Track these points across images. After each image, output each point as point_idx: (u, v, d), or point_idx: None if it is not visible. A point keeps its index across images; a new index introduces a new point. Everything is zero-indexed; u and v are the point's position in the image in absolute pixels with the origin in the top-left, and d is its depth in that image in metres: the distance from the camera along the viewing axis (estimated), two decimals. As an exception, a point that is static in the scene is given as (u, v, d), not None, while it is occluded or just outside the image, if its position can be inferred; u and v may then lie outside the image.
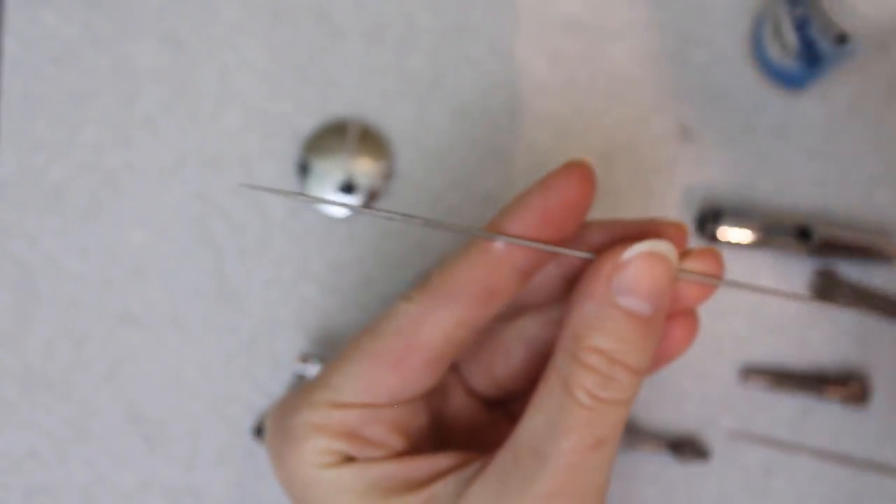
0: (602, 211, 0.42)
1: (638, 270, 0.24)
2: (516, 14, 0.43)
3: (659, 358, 0.29)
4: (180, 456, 0.41)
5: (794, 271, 0.42)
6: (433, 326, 0.26)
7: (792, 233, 0.41)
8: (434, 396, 0.29)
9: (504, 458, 0.25)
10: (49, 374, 0.41)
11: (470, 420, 0.31)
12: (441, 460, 0.26)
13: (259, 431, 0.40)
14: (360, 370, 0.26)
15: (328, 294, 0.41)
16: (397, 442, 0.27)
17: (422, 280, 0.27)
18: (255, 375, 0.41)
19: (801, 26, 0.38)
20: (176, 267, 0.41)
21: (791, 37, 0.39)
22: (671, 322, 0.28)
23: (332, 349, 0.41)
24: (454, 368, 0.31)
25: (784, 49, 0.40)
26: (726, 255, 0.42)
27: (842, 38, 0.36)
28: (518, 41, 0.43)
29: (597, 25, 0.43)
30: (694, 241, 0.42)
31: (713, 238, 0.41)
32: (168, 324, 0.41)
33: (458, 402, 0.31)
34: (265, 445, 0.29)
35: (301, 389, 0.27)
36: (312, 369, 0.39)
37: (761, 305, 0.42)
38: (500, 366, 0.30)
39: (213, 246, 0.42)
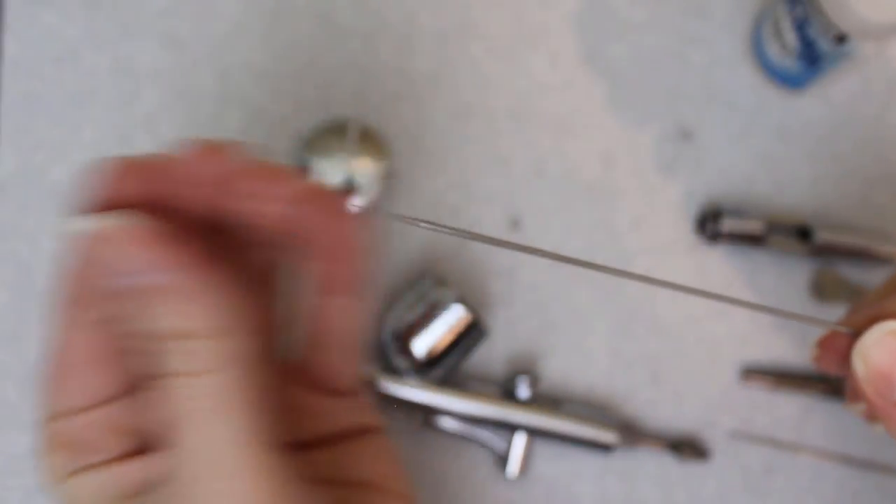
0: (602, 210, 0.42)
1: (103, 252, 0.23)
2: (516, 14, 0.43)
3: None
4: (180, 456, 0.41)
5: (794, 271, 0.42)
6: (73, 333, 0.25)
7: (792, 233, 0.41)
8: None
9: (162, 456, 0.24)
10: (49, 374, 0.41)
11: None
12: (158, 458, 0.25)
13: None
14: (49, 384, 0.26)
15: (328, 294, 0.41)
16: (120, 444, 0.26)
17: None
18: (255, 375, 0.41)
19: (801, 26, 0.38)
20: (176, 267, 0.41)
21: (791, 37, 0.39)
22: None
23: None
24: None
25: (784, 49, 0.40)
26: (726, 254, 0.42)
27: (841, 38, 0.36)
28: (518, 41, 0.43)
29: (597, 25, 0.43)
30: (694, 241, 0.42)
31: (713, 238, 0.41)
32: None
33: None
34: None
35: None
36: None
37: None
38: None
39: (213, 246, 0.42)
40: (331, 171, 0.41)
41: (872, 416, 0.26)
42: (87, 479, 0.25)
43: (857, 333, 0.24)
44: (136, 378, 0.26)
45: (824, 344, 0.27)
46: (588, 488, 0.41)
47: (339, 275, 0.27)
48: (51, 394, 0.26)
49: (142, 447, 0.26)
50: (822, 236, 0.41)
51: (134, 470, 0.25)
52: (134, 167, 0.25)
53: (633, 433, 0.40)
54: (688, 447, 0.40)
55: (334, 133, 0.42)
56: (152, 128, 0.42)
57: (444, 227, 0.25)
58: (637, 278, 0.25)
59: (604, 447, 0.39)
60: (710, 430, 0.41)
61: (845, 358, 0.25)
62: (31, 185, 0.42)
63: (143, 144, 0.42)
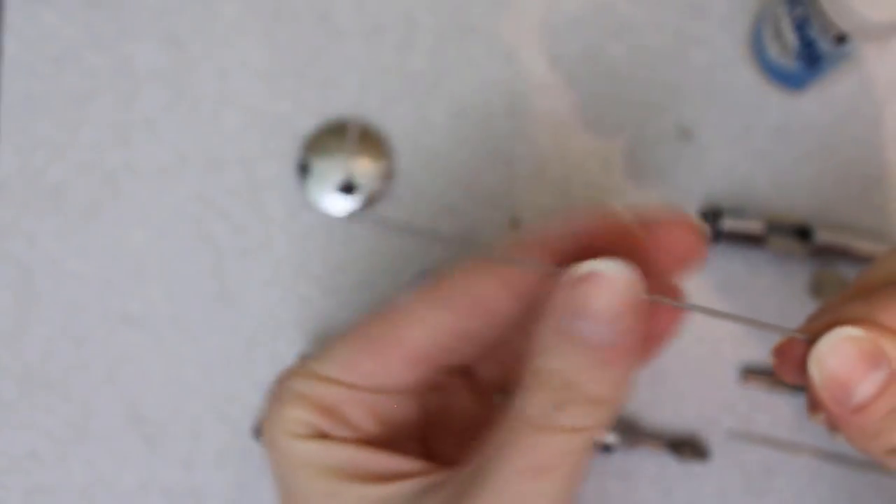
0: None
1: (585, 294, 0.22)
2: (516, 14, 0.43)
3: (648, 345, 0.28)
4: (180, 456, 0.41)
5: (794, 271, 0.42)
6: (417, 326, 0.26)
7: (792, 233, 0.41)
8: (432, 396, 0.29)
9: (462, 474, 0.24)
10: (49, 374, 0.41)
11: (474, 417, 0.30)
12: (413, 462, 0.26)
13: (259, 431, 0.40)
14: (343, 349, 0.26)
15: (328, 294, 0.41)
16: (372, 428, 0.26)
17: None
18: (255, 375, 0.41)
19: (801, 26, 0.38)
20: (176, 267, 0.41)
21: (791, 37, 0.39)
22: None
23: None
24: (466, 373, 0.30)
25: (784, 49, 0.40)
26: (726, 255, 0.42)
27: (841, 38, 0.36)
28: (518, 41, 0.43)
29: (597, 25, 0.43)
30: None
31: (713, 238, 0.41)
32: (168, 324, 0.41)
33: (465, 405, 0.30)
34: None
35: (304, 359, 0.27)
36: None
37: (761, 305, 0.42)
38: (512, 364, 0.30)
39: (213, 246, 0.42)
40: (331, 171, 0.41)
41: (833, 425, 0.25)
42: (319, 446, 0.25)
43: (813, 340, 0.24)
44: (429, 380, 0.26)
45: (781, 351, 0.26)
46: (588, 488, 0.41)
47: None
48: (338, 357, 0.26)
49: (387, 440, 0.26)
50: (822, 236, 0.41)
51: (375, 458, 0.25)
52: (621, 227, 0.26)
53: (632, 433, 0.40)
54: (688, 447, 0.40)
55: (334, 133, 0.42)
56: (152, 128, 0.42)
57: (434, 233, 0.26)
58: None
59: (604, 447, 0.39)
60: (710, 430, 0.41)
61: (803, 366, 0.24)
62: (31, 185, 0.42)
63: (144, 144, 0.42)
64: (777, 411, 0.41)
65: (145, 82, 0.42)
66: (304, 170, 0.42)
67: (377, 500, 0.25)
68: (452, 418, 0.30)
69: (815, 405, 0.27)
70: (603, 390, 0.23)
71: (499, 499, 0.23)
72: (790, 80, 0.42)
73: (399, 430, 0.27)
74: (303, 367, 0.27)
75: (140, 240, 0.42)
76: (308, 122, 0.42)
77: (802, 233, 0.41)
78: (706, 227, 0.26)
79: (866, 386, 0.23)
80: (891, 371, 0.23)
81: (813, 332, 0.24)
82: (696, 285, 0.41)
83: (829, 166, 0.43)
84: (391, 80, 0.42)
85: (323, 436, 0.26)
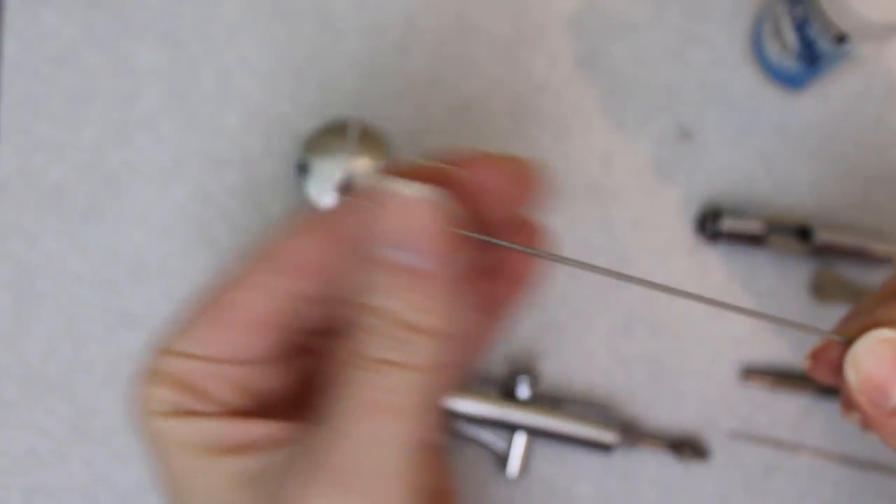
0: (602, 211, 0.42)
1: (394, 219, 0.22)
2: (516, 14, 0.43)
3: (503, 289, 0.27)
4: (180, 456, 0.41)
5: (794, 271, 0.42)
6: (255, 291, 0.25)
7: (792, 233, 0.41)
8: (307, 360, 0.28)
9: (312, 426, 0.23)
10: (49, 374, 0.41)
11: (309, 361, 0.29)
12: (284, 427, 0.25)
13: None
14: (193, 322, 0.26)
15: (328, 294, 0.41)
16: (236, 400, 0.26)
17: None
18: (255, 375, 0.41)
19: (801, 26, 0.38)
20: (176, 267, 0.41)
21: (791, 37, 0.39)
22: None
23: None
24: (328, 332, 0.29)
25: (784, 49, 0.40)
26: (726, 255, 0.42)
27: (841, 38, 0.36)
28: (518, 41, 0.43)
29: (597, 26, 0.43)
30: (694, 241, 0.42)
31: (713, 238, 0.41)
32: (168, 324, 0.41)
33: None
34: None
35: (166, 334, 0.27)
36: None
37: (761, 305, 0.42)
38: None
39: (213, 246, 0.42)
40: (331, 170, 0.41)
41: (867, 426, 0.26)
42: (183, 423, 0.25)
43: (849, 342, 0.24)
44: (290, 346, 0.26)
45: (817, 354, 0.27)
46: (588, 488, 0.41)
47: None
48: (189, 331, 0.25)
49: (256, 410, 0.26)
50: (822, 236, 0.41)
51: (240, 429, 0.25)
52: (437, 169, 0.25)
53: (633, 433, 0.40)
54: (688, 447, 0.40)
55: (334, 133, 0.42)
56: (152, 128, 0.42)
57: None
58: (635, 281, 0.24)
59: (604, 447, 0.39)
60: (710, 430, 0.41)
61: (838, 368, 0.24)
62: (31, 185, 0.42)
63: (144, 144, 0.42)
64: (777, 411, 0.41)
65: (145, 82, 0.42)
66: (303, 170, 0.42)
67: (245, 470, 0.24)
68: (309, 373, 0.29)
69: (849, 406, 0.27)
70: (431, 321, 0.22)
71: (346, 443, 0.22)
72: (790, 80, 0.42)
73: (271, 398, 0.27)
74: (161, 342, 0.26)
75: (140, 240, 0.42)
76: (308, 122, 0.42)
77: (802, 233, 0.41)
78: (535, 165, 0.26)
79: None
80: None
81: (849, 335, 0.24)
82: (696, 285, 0.42)
83: (829, 166, 0.42)
84: (391, 80, 0.42)
85: (187, 413, 0.25)
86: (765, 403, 0.41)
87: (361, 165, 0.42)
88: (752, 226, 0.41)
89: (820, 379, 0.27)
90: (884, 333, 0.23)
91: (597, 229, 0.42)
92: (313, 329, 0.27)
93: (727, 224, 0.40)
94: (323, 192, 0.41)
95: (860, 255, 0.41)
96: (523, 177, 0.26)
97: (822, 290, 0.42)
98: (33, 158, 0.42)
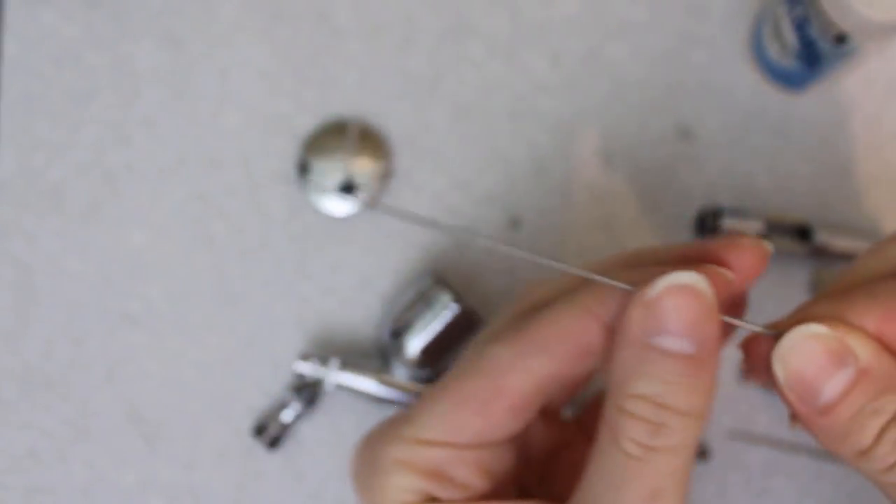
0: (602, 211, 0.42)
1: (667, 306, 0.22)
2: (516, 14, 0.43)
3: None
4: (180, 456, 0.41)
5: (794, 271, 0.42)
6: (523, 375, 0.25)
7: (792, 233, 0.41)
8: (519, 436, 0.28)
9: None
10: (49, 374, 0.41)
11: (548, 443, 0.30)
12: None
13: (259, 431, 0.40)
14: (445, 409, 0.25)
15: (328, 294, 0.41)
16: (481, 484, 0.26)
17: (515, 322, 0.26)
18: (255, 375, 0.41)
19: (801, 26, 0.38)
20: (176, 267, 0.41)
21: (791, 37, 0.39)
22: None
23: (331, 349, 0.41)
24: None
25: (784, 49, 0.40)
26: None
27: (841, 38, 0.36)
28: (518, 41, 0.43)
29: (597, 25, 0.43)
30: (695, 239, 0.42)
31: (713, 238, 0.41)
32: (168, 324, 0.41)
33: (539, 429, 0.30)
34: (351, 478, 0.28)
35: (388, 424, 0.27)
36: (312, 369, 0.39)
37: (761, 305, 0.42)
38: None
39: (213, 246, 0.42)
40: (331, 171, 0.41)
41: (805, 426, 0.25)
42: None
43: (779, 336, 0.23)
44: (523, 423, 0.26)
45: (748, 347, 0.26)
46: (588, 488, 0.41)
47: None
48: (438, 421, 0.25)
49: (498, 491, 0.26)
50: (822, 236, 0.41)
51: None
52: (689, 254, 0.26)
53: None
54: (688, 447, 0.40)
55: (334, 133, 0.42)
56: (152, 128, 0.42)
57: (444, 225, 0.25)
58: (616, 285, 0.24)
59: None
60: (710, 430, 0.41)
61: (769, 363, 0.24)
62: (31, 185, 0.42)
63: (144, 144, 0.42)
64: (777, 411, 0.41)
65: (145, 82, 0.42)
66: (304, 170, 0.42)
67: None
68: (532, 449, 0.30)
69: (794, 417, 0.27)
70: (694, 402, 0.23)
71: None
72: (790, 80, 0.42)
73: (502, 478, 0.27)
74: (395, 431, 0.26)
75: (140, 240, 0.42)
76: (308, 122, 0.42)
77: (802, 233, 0.41)
78: (770, 246, 0.26)
79: (833, 385, 0.22)
80: (858, 369, 0.22)
81: (780, 329, 0.24)
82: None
83: (829, 166, 0.42)
84: (391, 80, 0.42)
85: (432, 500, 0.25)
86: (764, 403, 0.41)
87: (361, 165, 0.42)
88: (752, 226, 0.41)
89: (755, 379, 0.26)
90: (813, 329, 0.23)
91: (597, 229, 0.42)
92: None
93: (727, 224, 0.40)
94: (323, 192, 0.41)
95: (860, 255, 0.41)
96: (761, 257, 0.26)
97: (821, 289, 0.42)
98: (33, 158, 0.42)
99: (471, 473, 0.26)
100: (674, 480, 0.23)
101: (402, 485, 0.25)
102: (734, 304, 0.27)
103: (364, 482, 0.26)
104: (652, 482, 0.23)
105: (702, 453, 0.40)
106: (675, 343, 0.22)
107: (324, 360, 0.39)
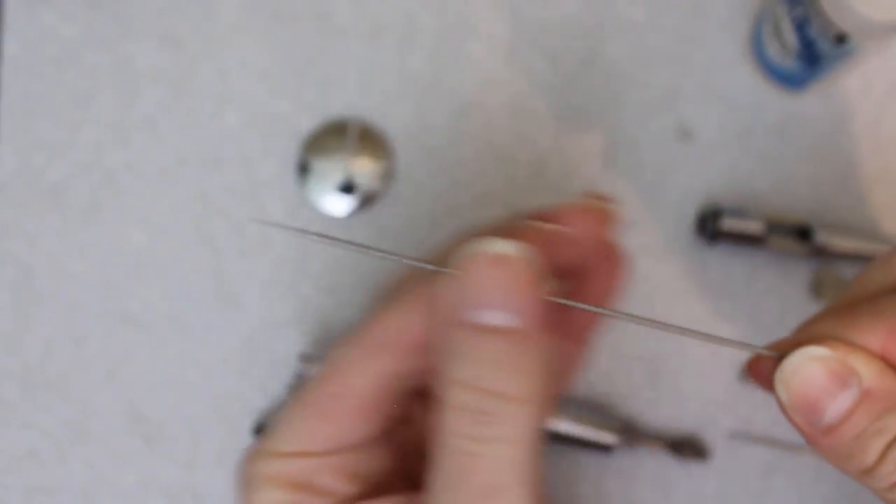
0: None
1: (478, 277, 0.21)
2: (516, 14, 0.43)
3: (572, 337, 0.26)
4: (180, 456, 0.41)
5: (794, 271, 0.42)
6: (361, 377, 0.25)
7: (792, 233, 0.41)
8: (401, 432, 0.28)
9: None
10: (49, 375, 0.41)
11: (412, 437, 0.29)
12: (397, 502, 0.25)
13: (259, 431, 0.40)
14: (294, 419, 0.25)
15: (327, 294, 0.41)
16: (349, 489, 0.25)
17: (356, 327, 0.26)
18: (255, 375, 0.41)
19: (801, 26, 0.38)
20: (176, 267, 0.41)
21: (791, 37, 0.39)
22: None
23: (331, 349, 0.41)
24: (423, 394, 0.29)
25: (784, 49, 0.40)
26: (726, 255, 0.42)
27: (841, 38, 0.36)
28: (518, 41, 0.43)
29: (597, 25, 0.43)
30: (694, 241, 0.42)
31: (713, 238, 0.41)
32: (168, 324, 0.41)
33: (423, 416, 0.29)
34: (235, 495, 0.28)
35: (259, 439, 0.26)
36: (312, 369, 0.39)
37: (761, 305, 0.42)
38: None
39: (212, 246, 0.42)
40: (331, 171, 0.41)
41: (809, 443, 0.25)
42: None
43: (781, 357, 0.23)
44: (390, 422, 0.25)
45: (752, 367, 0.26)
46: (587, 488, 0.41)
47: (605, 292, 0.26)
48: (294, 428, 0.25)
49: (369, 492, 0.25)
50: (822, 236, 0.41)
51: None
52: (534, 228, 0.25)
53: (632, 433, 0.40)
54: (688, 447, 0.40)
55: (334, 133, 0.42)
56: (152, 128, 0.42)
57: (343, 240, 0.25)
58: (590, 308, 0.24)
59: (603, 447, 0.39)
60: (710, 430, 0.41)
61: (772, 382, 0.23)
62: (31, 185, 0.42)
63: (144, 144, 0.42)
64: (777, 411, 0.41)
65: (145, 82, 0.42)
66: (304, 170, 0.42)
67: None
68: (420, 438, 0.29)
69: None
70: (522, 385, 0.21)
71: None
72: (790, 80, 0.42)
73: (381, 475, 0.27)
74: (259, 446, 0.25)
75: (140, 240, 0.42)
76: (308, 122, 0.42)
77: (802, 233, 0.41)
78: (611, 205, 0.25)
79: (836, 407, 0.22)
80: (861, 390, 0.22)
81: (782, 350, 0.23)
82: (696, 285, 0.42)
83: (829, 166, 0.42)
84: (391, 80, 0.42)
85: None
86: (764, 403, 0.41)
87: (361, 165, 0.42)
88: (752, 226, 0.41)
89: (764, 388, 0.26)
90: (814, 351, 0.23)
91: (597, 229, 0.42)
92: (406, 397, 0.26)
93: (727, 224, 0.40)
94: (323, 191, 0.41)
95: (859, 256, 0.41)
96: (604, 217, 0.25)
97: (822, 290, 0.42)
98: (33, 158, 0.42)
99: (335, 480, 0.25)
100: (514, 474, 0.21)
101: (269, 499, 0.25)
102: (600, 259, 0.26)
103: (239, 499, 0.26)
104: (487, 478, 0.21)
105: (702, 453, 0.40)
106: (490, 317, 0.21)
107: (324, 360, 0.39)
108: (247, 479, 0.25)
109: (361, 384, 0.25)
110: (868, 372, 0.22)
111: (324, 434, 0.25)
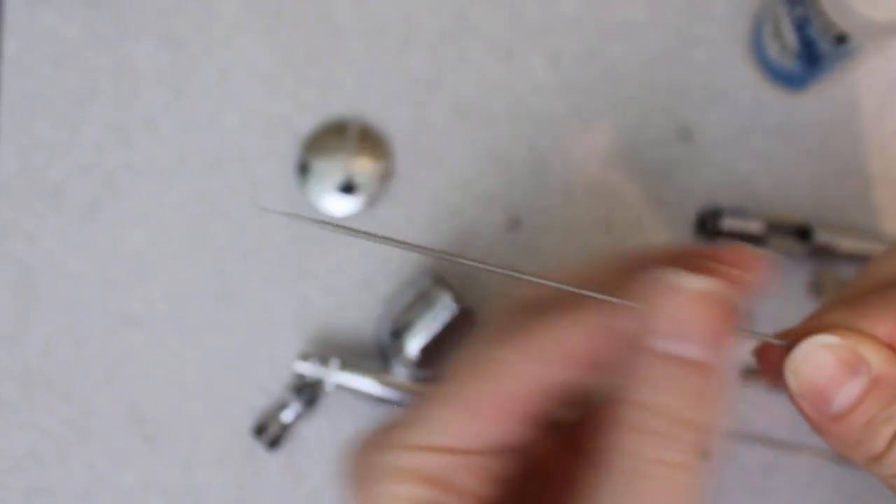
0: (602, 211, 0.42)
1: (684, 311, 0.22)
2: (516, 14, 0.43)
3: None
4: (180, 456, 0.41)
5: (794, 271, 0.42)
6: (520, 380, 0.24)
7: (792, 233, 0.41)
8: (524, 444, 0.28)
9: None
10: (49, 374, 0.41)
11: (540, 452, 0.29)
12: None
13: (259, 431, 0.40)
14: (448, 414, 0.25)
15: (327, 294, 0.41)
16: (486, 491, 0.25)
17: (512, 324, 0.26)
18: (255, 375, 0.41)
19: (801, 26, 0.38)
20: (176, 267, 0.41)
21: (791, 37, 0.39)
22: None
23: (331, 349, 0.41)
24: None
25: (784, 49, 0.40)
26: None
27: (841, 38, 0.36)
28: (518, 41, 0.43)
29: (597, 25, 0.43)
30: (694, 241, 0.42)
31: (713, 238, 0.41)
32: (168, 324, 0.41)
33: (541, 447, 0.29)
34: (343, 487, 0.27)
35: (382, 430, 0.26)
36: (312, 369, 0.39)
37: (762, 305, 0.42)
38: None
39: (213, 246, 0.42)
40: (331, 171, 0.41)
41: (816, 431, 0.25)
42: None
43: (790, 346, 0.23)
44: (529, 434, 0.25)
45: (761, 355, 0.26)
46: (588, 488, 0.41)
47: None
48: (434, 425, 0.25)
49: (503, 499, 0.25)
50: (822, 236, 0.41)
51: None
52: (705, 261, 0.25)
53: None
54: (688, 447, 0.40)
55: (334, 133, 0.42)
56: (152, 128, 0.42)
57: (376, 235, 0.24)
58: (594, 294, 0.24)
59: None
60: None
61: (781, 370, 0.24)
62: (31, 185, 0.42)
63: (144, 144, 0.42)
64: (777, 411, 0.41)
65: (145, 82, 0.42)
66: (304, 170, 0.42)
67: None
68: (533, 462, 0.29)
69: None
70: (708, 416, 0.22)
71: None
72: (790, 80, 0.42)
73: (506, 487, 0.26)
74: (392, 437, 0.25)
75: (140, 240, 0.42)
76: (308, 122, 0.42)
77: (802, 233, 0.41)
78: (768, 254, 0.26)
79: (845, 394, 0.23)
80: (870, 378, 0.23)
81: (792, 338, 0.24)
82: (696, 285, 0.41)
83: (829, 166, 0.42)
84: (391, 80, 0.42)
85: None
86: (764, 403, 0.41)
87: (361, 165, 0.42)
88: (752, 226, 0.41)
89: (772, 381, 0.26)
90: (824, 339, 0.23)
91: (597, 229, 0.42)
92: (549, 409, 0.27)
93: (727, 224, 0.40)
94: (323, 192, 0.41)
95: (860, 256, 0.41)
96: (765, 269, 0.25)
97: (822, 290, 0.42)
98: (33, 158, 0.42)
99: (476, 481, 0.25)
100: (688, 496, 0.22)
101: (401, 493, 0.24)
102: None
103: (359, 491, 0.26)
104: (666, 498, 0.22)
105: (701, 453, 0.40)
106: (685, 349, 0.22)
107: (324, 360, 0.39)
108: (376, 469, 0.25)
109: (519, 387, 0.24)
110: (877, 360, 0.23)
111: (471, 431, 0.25)
